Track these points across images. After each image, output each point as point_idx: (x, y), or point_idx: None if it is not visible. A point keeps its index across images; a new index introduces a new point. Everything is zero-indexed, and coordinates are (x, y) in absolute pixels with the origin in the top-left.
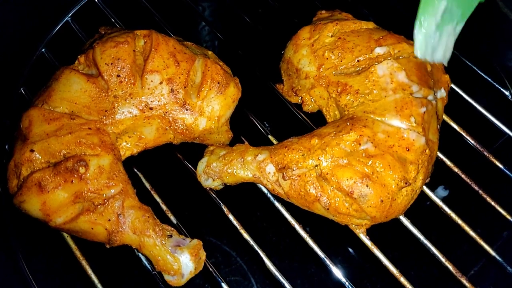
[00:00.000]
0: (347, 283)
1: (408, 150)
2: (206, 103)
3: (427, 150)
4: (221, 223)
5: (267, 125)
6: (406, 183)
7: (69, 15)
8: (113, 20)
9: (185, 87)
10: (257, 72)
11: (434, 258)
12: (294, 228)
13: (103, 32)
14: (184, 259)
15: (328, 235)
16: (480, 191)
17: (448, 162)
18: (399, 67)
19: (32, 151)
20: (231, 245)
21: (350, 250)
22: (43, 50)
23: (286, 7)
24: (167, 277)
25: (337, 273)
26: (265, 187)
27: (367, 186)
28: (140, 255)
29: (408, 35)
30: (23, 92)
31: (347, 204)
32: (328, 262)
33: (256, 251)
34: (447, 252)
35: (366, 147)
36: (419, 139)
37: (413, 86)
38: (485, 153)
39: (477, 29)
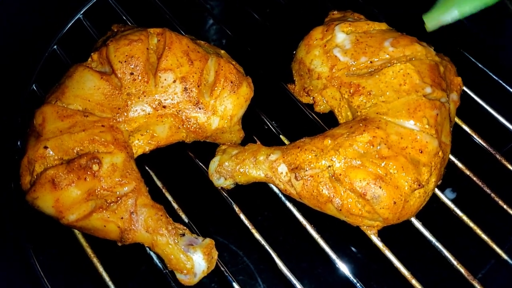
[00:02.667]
0: (358, 284)
1: (421, 152)
2: (219, 102)
3: (440, 153)
4: (230, 222)
5: (278, 125)
6: (419, 185)
7: (81, 13)
8: (124, 18)
9: (198, 86)
10: (268, 72)
11: (442, 260)
12: (302, 228)
13: (115, 30)
14: (197, 258)
15: (335, 235)
16: (492, 194)
17: (460, 165)
18: (412, 69)
19: (45, 147)
20: (238, 244)
21: (355, 250)
22: (55, 47)
23: (297, 7)
24: (179, 276)
25: (346, 272)
26: (277, 187)
27: (380, 187)
28: (151, 253)
29: (421, 36)
30: (35, 88)
31: (359, 205)
32: (338, 262)
33: (265, 251)
34: (457, 253)
35: (379, 149)
36: (432, 142)
37: (426, 88)
38: (497, 155)
39: (489, 32)
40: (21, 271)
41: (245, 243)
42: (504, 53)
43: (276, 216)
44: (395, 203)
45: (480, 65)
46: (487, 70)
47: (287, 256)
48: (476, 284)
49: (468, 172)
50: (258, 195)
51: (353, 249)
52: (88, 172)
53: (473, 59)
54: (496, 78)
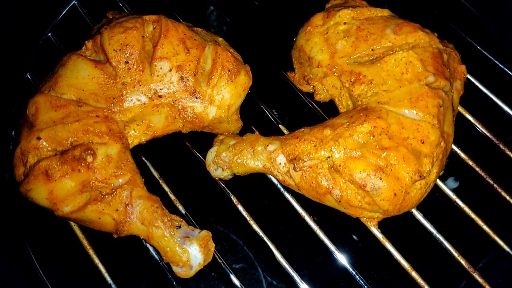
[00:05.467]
0: (356, 275)
1: (423, 142)
2: (216, 91)
3: (442, 143)
4: (229, 212)
5: (277, 114)
6: (420, 176)
7: None
8: (120, 4)
9: (195, 75)
10: (268, 59)
11: (443, 251)
12: (302, 218)
13: (111, 17)
14: (193, 251)
15: (336, 225)
16: (495, 185)
17: (462, 155)
18: (414, 57)
19: (39, 138)
20: (238, 234)
21: (357, 240)
22: (49, 34)
23: None
24: (175, 269)
25: (345, 263)
26: (275, 177)
27: (380, 179)
28: (148, 245)
29: (424, 23)
30: (29, 77)
31: (359, 197)
32: (336, 252)
33: (264, 241)
34: (456, 244)
35: (380, 139)
36: (434, 132)
37: (429, 76)
38: (501, 145)
39: (495, 20)
40: (17, 262)
41: (245, 232)
42: (510, 41)
43: (276, 206)
44: (395, 194)
45: (485, 53)
46: (492, 58)
47: (287, 245)
48: (476, 276)
49: (470, 162)
50: (256, 186)
51: (353, 240)
52: (82, 164)
53: (478, 46)
54: (502, 66)
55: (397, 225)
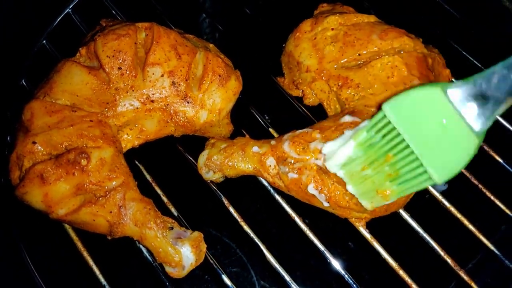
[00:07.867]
0: (346, 276)
1: None
2: (207, 96)
3: None
4: (221, 215)
5: (267, 118)
6: None
7: (70, 7)
8: (114, 12)
9: (186, 80)
10: (258, 65)
11: (432, 251)
12: (293, 221)
13: (104, 24)
14: (185, 251)
15: (327, 227)
16: (480, 186)
17: None
18: (400, 61)
19: (34, 143)
20: (231, 237)
21: (349, 242)
22: (44, 41)
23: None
24: (168, 269)
25: (336, 265)
26: (265, 180)
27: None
28: (141, 246)
29: (409, 29)
30: (24, 83)
31: (347, 197)
32: (327, 254)
33: (256, 243)
34: (445, 245)
35: None
36: None
37: (414, 80)
38: (485, 147)
39: (479, 23)
40: (12, 265)
41: (238, 235)
42: (494, 45)
43: (268, 209)
44: None
45: (470, 57)
46: (477, 63)
47: (280, 248)
48: (463, 275)
49: None
50: (247, 188)
51: (343, 241)
52: (77, 167)
53: (463, 51)
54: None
55: (386, 226)
